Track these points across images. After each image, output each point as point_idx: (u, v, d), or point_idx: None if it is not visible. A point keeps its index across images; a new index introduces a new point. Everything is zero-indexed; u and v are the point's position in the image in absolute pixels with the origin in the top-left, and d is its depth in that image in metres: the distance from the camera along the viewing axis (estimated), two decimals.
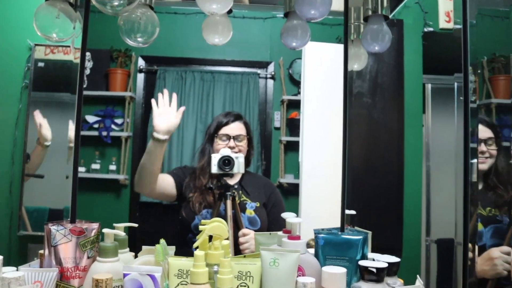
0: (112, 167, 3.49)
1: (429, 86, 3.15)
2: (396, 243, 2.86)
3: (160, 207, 3.51)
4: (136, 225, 1.03)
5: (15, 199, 2.14)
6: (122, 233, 0.95)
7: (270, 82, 3.61)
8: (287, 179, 3.35)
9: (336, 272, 0.85)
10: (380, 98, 2.90)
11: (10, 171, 2.16)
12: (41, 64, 2.25)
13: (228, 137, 1.67)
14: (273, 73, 3.58)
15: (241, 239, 1.48)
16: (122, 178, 3.43)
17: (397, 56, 2.95)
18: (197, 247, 0.93)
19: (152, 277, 0.86)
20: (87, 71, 3.56)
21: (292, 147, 3.40)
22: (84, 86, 3.49)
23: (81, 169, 3.47)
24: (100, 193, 3.53)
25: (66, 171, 2.04)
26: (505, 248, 1.19)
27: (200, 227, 0.93)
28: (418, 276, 0.91)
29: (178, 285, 0.92)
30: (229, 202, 1.49)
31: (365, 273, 0.87)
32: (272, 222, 1.64)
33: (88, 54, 3.53)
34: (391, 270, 0.92)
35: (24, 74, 2.13)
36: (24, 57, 2.13)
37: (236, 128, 1.70)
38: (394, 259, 0.94)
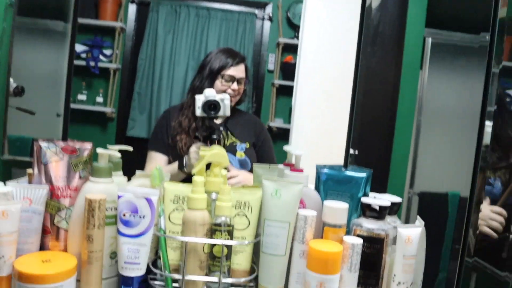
0: (99, 99, 3.39)
1: (429, 40, 3.08)
2: (380, 193, 2.88)
3: (147, 143, 3.46)
4: (130, 148, 0.98)
5: None
6: (118, 154, 0.90)
7: (267, 24, 3.48)
8: (277, 123, 3.31)
9: (338, 206, 0.83)
10: (379, 48, 2.83)
11: None
12: None
13: (233, 79, 1.61)
14: (270, 14, 3.45)
15: (229, 181, 1.45)
16: (109, 111, 3.34)
17: (401, 6, 2.86)
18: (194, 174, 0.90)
19: (149, 200, 0.83)
20: None
21: (284, 91, 3.34)
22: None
23: None
24: (86, 126, 3.44)
25: (54, 105, 1.94)
26: (496, 208, 1.19)
27: (200, 153, 0.90)
28: (418, 216, 0.90)
29: (173, 210, 0.89)
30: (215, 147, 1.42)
31: (367, 210, 0.85)
32: (261, 161, 1.61)
33: None
34: (392, 209, 0.90)
35: None
36: None
37: (241, 70, 1.66)
38: (396, 198, 0.92)
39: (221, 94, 1.44)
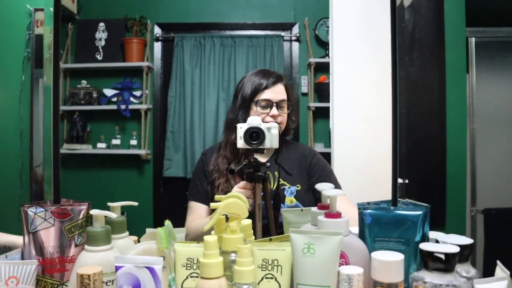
0: (133, 142, 3.34)
1: (472, 40, 2.83)
2: (439, 215, 2.62)
3: (185, 182, 3.36)
4: (135, 203, 0.84)
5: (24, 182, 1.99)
6: (114, 215, 0.75)
7: (295, 45, 3.35)
8: (318, 148, 3.13)
9: (391, 259, 0.64)
10: (418, 56, 2.61)
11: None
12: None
13: (270, 104, 1.34)
14: (298, 35, 3.31)
15: (243, 192, 1.13)
16: (143, 153, 3.28)
17: (436, 7, 2.64)
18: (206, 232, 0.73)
19: (151, 270, 0.67)
20: (102, 43, 3.39)
21: (322, 114, 3.16)
22: (100, 58, 3.25)
23: (102, 145, 3.34)
24: (122, 170, 3.39)
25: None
26: None
27: (212, 205, 0.73)
28: (498, 262, 0.69)
29: (187, 278, 0.73)
30: (258, 187, 1.13)
31: (429, 260, 0.65)
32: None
33: (102, 24, 3.35)
34: (462, 255, 0.70)
35: (26, 43, 1.95)
36: (24, 24, 1.94)
37: (279, 91, 1.36)
38: (465, 240, 0.72)
39: (269, 123, 1.18)
